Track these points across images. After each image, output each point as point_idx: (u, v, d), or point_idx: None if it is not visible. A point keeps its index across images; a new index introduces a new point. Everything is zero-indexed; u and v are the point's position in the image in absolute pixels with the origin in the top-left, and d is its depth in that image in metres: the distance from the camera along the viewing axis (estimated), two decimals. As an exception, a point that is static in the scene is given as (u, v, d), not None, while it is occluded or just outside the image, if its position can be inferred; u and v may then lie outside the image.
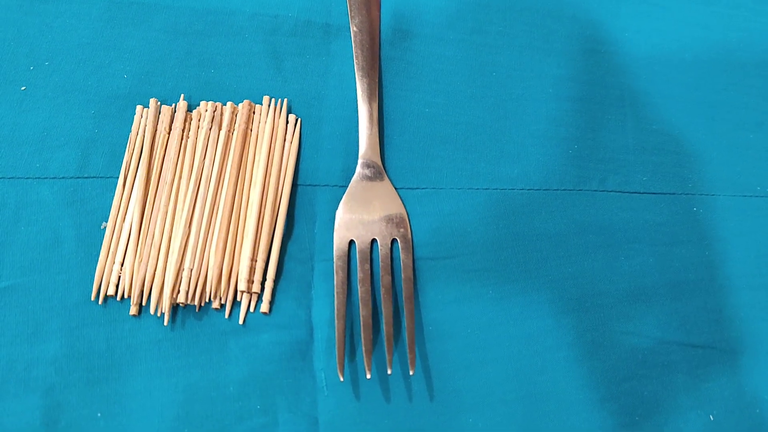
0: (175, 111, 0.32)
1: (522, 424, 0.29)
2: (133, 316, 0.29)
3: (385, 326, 0.29)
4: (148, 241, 0.29)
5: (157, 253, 0.29)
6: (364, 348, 0.28)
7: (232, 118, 0.32)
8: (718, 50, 0.38)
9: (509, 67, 0.36)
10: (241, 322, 0.29)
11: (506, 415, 0.29)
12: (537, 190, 0.33)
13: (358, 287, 0.29)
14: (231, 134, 0.32)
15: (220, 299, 0.29)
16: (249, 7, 0.35)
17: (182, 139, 0.31)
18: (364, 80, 0.33)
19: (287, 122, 0.33)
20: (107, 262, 0.29)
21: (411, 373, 0.28)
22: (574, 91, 0.36)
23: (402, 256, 0.30)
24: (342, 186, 0.32)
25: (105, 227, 0.30)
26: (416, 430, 0.28)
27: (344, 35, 0.35)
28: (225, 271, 0.29)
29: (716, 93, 0.37)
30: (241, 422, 0.27)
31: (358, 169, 0.32)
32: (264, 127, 0.32)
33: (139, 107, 0.32)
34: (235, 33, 0.35)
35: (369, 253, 0.30)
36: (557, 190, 0.33)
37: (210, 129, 0.32)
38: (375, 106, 0.33)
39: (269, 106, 0.33)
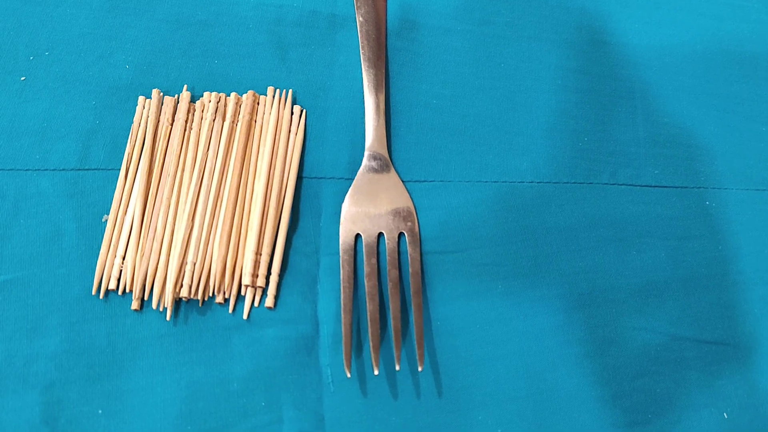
0: (178, 102, 0.31)
1: (532, 421, 0.28)
2: (135, 310, 0.28)
3: (392, 321, 0.28)
4: (150, 234, 0.29)
5: (159, 246, 0.29)
6: (371, 343, 0.27)
7: (236, 109, 0.31)
8: (730, 42, 0.37)
9: (517, 58, 0.35)
10: (245, 316, 0.28)
11: (516, 411, 0.28)
12: (547, 183, 0.32)
13: (365, 282, 0.29)
14: (235, 125, 0.31)
15: (224, 293, 0.29)
16: (253, -4, 0.35)
17: (185, 130, 0.31)
18: (371, 71, 0.33)
19: (292, 113, 0.32)
20: (108, 256, 0.28)
21: (419, 369, 0.27)
22: (584, 82, 0.35)
23: (409, 250, 0.30)
24: (348, 178, 0.31)
25: (106, 220, 0.29)
26: (424, 427, 0.27)
27: (350, 26, 0.35)
28: (229, 264, 0.29)
29: (728, 85, 0.36)
30: (245, 419, 0.27)
31: (365, 161, 0.31)
32: (268, 119, 0.31)
33: (141, 98, 0.31)
34: (239, 23, 0.34)
35: (376, 247, 0.30)
36: (567, 183, 0.33)
37: (213, 120, 0.31)
38: (381, 97, 0.32)
39: (274, 97, 0.32)
